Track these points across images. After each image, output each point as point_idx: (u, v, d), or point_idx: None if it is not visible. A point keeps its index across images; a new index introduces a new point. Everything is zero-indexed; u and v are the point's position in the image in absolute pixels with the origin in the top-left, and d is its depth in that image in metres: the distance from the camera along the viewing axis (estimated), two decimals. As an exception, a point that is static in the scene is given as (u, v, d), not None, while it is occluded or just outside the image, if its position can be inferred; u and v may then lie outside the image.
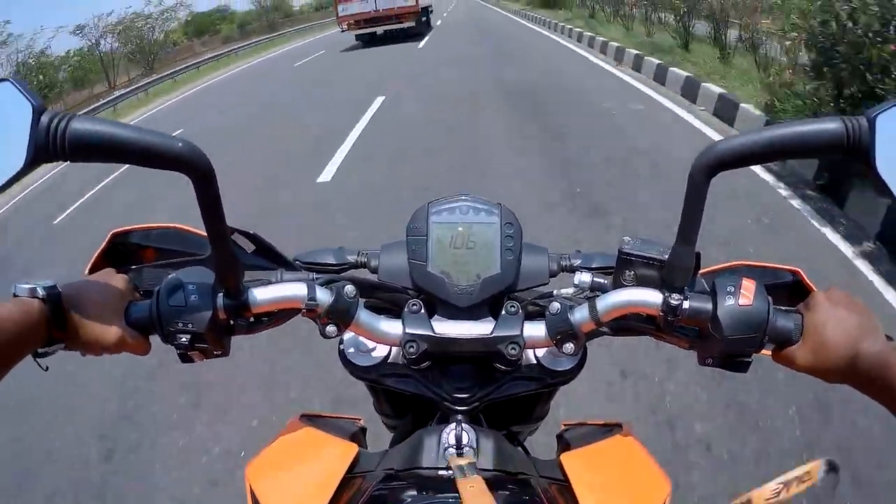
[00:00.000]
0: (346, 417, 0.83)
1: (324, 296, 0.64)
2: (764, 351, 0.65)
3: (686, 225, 0.59)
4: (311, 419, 0.77)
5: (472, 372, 0.71)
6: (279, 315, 0.68)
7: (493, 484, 0.64)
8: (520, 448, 0.82)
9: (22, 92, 0.49)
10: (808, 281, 0.75)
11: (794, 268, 0.77)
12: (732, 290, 0.61)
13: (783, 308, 0.63)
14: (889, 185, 0.53)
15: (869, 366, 0.55)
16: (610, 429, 0.77)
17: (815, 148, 0.54)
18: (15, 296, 0.56)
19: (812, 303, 0.62)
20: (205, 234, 0.60)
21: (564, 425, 0.83)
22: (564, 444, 0.77)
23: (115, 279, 0.66)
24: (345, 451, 0.69)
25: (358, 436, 0.79)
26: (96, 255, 0.77)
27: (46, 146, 0.48)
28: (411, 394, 0.73)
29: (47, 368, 0.60)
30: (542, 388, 0.75)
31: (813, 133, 0.53)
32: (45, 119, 0.48)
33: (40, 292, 0.55)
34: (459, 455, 0.65)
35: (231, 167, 6.13)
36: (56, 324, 0.57)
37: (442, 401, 0.71)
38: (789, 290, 0.76)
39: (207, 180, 0.55)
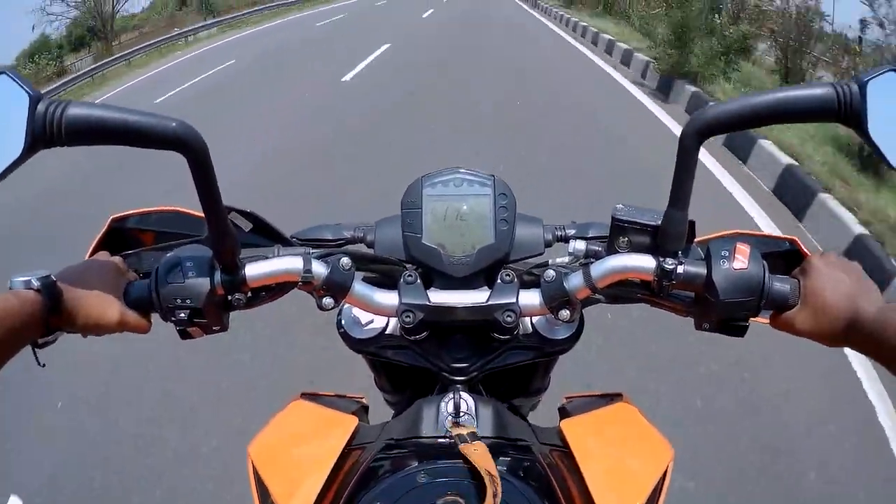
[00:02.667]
0: (349, 396, 0.84)
1: (320, 268, 0.64)
2: (762, 318, 0.65)
3: (677, 189, 0.59)
4: (313, 398, 0.78)
5: (470, 342, 0.72)
6: (276, 289, 0.68)
7: (493, 450, 0.64)
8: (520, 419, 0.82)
9: (18, 83, 0.50)
10: (803, 248, 0.75)
11: (790, 237, 0.77)
12: (727, 254, 0.61)
13: (779, 275, 0.63)
14: (882, 150, 0.53)
15: (868, 327, 0.55)
16: (611, 398, 0.77)
17: (807, 113, 0.54)
18: (10, 289, 0.56)
19: (808, 267, 0.62)
20: (202, 214, 0.60)
21: (566, 398, 0.83)
22: (566, 414, 0.77)
23: (111, 260, 0.67)
24: (344, 424, 0.70)
25: (360, 413, 0.80)
26: (95, 241, 0.78)
27: (44, 133, 0.50)
28: (410, 366, 0.74)
29: (44, 365, 0.60)
30: (539, 357, 0.75)
31: (805, 98, 0.53)
32: (41, 107, 0.50)
33: (35, 283, 0.56)
34: (457, 424, 0.65)
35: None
36: (53, 312, 0.58)
37: (440, 371, 0.72)
38: (785, 259, 0.76)
39: (202, 158, 0.56)
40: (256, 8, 28.61)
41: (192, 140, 0.54)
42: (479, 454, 0.57)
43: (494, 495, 0.51)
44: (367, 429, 0.73)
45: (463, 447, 0.58)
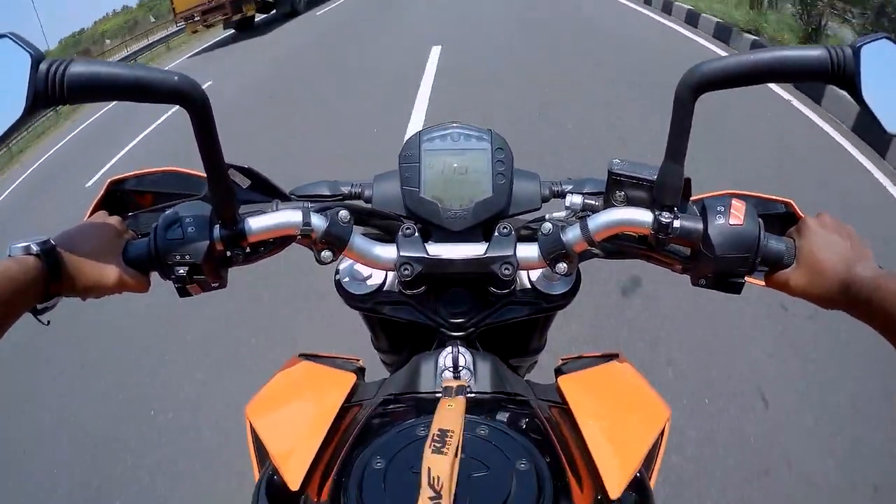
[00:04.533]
0: (345, 357, 0.84)
1: (319, 221, 0.64)
2: (756, 278, 0.66)
3: (673, 143, 0.60)
4: (310, 358, 0.78)
5: (468, 297, 0.72)
6: (275, 243, 0.68)
7: (491, 404, 0.65)
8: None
9: (20, 44, 0.50)
10: (799, 211, 0.76)
11: (785, 199, 0.77)
12: (723, 209, 0.61)
13: (775, 235, 0.64)
14: (875, 113, 0.54)
15: (862, 290, 0.55)
16: (607, 359, 0.78)
17: (800, 73, 0.55)
18: (10, 256, 0.56)
19: (803, 228, 0.63)
20: (200, 173, 0.60)
21: (562, 360, 0.84)
22: (562, 375, 0.78)
23: (109, 220, 0.67)
24: (342, 382, 0.70)
25: (357, 374, 0.80)
26: (94, 203, 0.77)
27: (45, 92, 0.50)
28: (407, 322, 0.74)
29: (49, 322, 0.60)
30: (537, 312, 0.75)
31: (798, 58, 0.54)
32: (43, 67, 0.50)
33: (34, 248, 0.56)
34: (456, 378, 0.66)
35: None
36: (53, 276, 0.57)
37: (438, 327, 0.72)
38: (781, 222, 0.76)
39: (204, 113, 0.55)
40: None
41: (193, 93, 0.54)
42: (451, 410, 0.56)
43: (439, 447, 0.50)
44: (365, 386, 0.73)
45: (441, 402, 0.58)
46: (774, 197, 0.78)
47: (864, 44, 0.53)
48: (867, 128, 3.96)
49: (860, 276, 0.56)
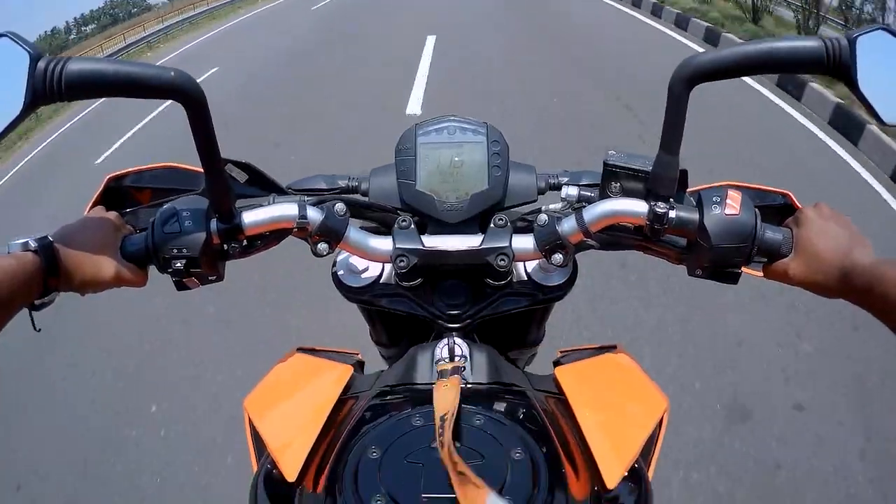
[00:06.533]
0: (344, 351, 0.84)
1: (314, 214, 0.65)
2: (754, 269, 0.66)
3: (668, 135, 0.60)
4: (308, 352, 0.78)
5: (465, 289, 0.72)
6: (272, 236, 0.68)
7: (487, 394, 0.65)
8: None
9: (19, 43, 0.51)
10: (797, 202, 0.75)
11: (783, 190, 0.77)
12: (719, 199, 0.61)
13: (772, 225, 0.64)
14: (872, 104, 0.54)
15: (862, 278, 0.55)
16: (606, 350, 0.78)
17: (795, 64, 0.55)
18: (8, 252, 0.57)
19: (801, 218, 0.62)
20: (197, 168, 0.61)
21: (560, 352, 0.84)
22: (560, 366, 0.78)
23: (107, 216, 0.67)
24: (339, 374, 0.70)
25: (356, 367, 0.80)
26: (92, 200, 0.78)
27: (44, 89, 0.50)
28: (405, 314, 0.74)
29: (40, 329, 0.61)
30: (534, 304, 0.75)
31: (794, 49, 0.54)
32: (41, 64, 0.50)
33: (32, 244, 0.57)
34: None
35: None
36: (51, 272, 0.58)
37: (435, 318, 0.72)
38: (779, 213, 0.76)
39: (200, 108, 0.56)
40: None
41: (190, 89, 0.55)
42: (446, 389, 0.57)
43: (441, 435, 0.50)
44: (361, 379, 0.73)
45: (437, 383, 0.58)
46: (772, 188, 0.77)
47: (861, 34, 0.53)
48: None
49: (859, 263, 0.56)
